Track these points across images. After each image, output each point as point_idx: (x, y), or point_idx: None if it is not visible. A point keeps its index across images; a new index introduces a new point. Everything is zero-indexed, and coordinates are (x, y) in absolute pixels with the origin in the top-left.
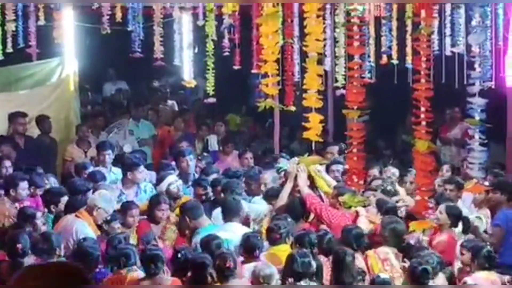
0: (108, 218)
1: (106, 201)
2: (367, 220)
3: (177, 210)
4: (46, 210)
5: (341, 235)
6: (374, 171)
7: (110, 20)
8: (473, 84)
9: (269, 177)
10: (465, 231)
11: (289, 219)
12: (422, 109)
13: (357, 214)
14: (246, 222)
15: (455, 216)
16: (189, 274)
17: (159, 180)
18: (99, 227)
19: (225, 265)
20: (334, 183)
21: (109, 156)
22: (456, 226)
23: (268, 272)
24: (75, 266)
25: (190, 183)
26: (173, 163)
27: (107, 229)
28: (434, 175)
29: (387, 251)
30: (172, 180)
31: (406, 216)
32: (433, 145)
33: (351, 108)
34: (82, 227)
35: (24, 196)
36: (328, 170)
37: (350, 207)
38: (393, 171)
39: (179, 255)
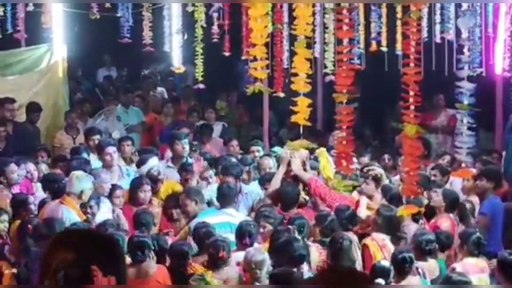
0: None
1: (86, 181)
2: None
3: (160, 195)
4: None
5: (336, 215)
6: (365, 159)
7: (99, 6)
8: (462, 68)
9: (269, 163)
10: (461, 218)
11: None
12: (411, 93)
13: (357, 202)
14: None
15: (451, 200)
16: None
17: (141, 163)
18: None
19: (218, 255)
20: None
21: (98, 141)
22: (452, 211)
23: (260, 258)
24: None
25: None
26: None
27: (88, 214)
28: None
29: (384, 238)
30: (154, 164)
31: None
32: (421, 129)
33: (340, 91)
34: (68, 213)
35: (16, 179)
36: None
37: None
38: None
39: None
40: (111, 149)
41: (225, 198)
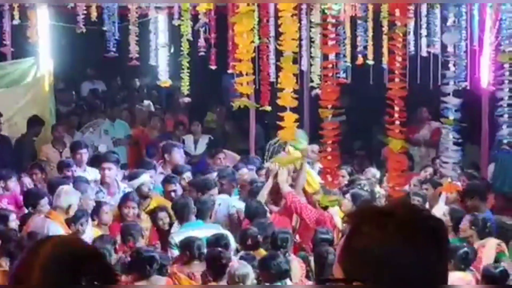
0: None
1: (74, 195)
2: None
3: (149, 209)
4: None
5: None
6: (343, 172)
7: (85, 20)
8: (447, 83)
9: (247, 175)
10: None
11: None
12: (396, 108)
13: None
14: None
15: (458, 219)
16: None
17: (133, 177)
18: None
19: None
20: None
21: (84, 155)
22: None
23: (243, 272)
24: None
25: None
26: (154, 162)
27: (77, 228)
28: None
29: None
30: (146, 180)
31: None
32: (406, 144)
33: (325, 107)
34: (54, 227)
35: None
36: None
37: (327, 207)
38: (373, 172)
39: None
40: (108, 165)
41: (203, 212)
